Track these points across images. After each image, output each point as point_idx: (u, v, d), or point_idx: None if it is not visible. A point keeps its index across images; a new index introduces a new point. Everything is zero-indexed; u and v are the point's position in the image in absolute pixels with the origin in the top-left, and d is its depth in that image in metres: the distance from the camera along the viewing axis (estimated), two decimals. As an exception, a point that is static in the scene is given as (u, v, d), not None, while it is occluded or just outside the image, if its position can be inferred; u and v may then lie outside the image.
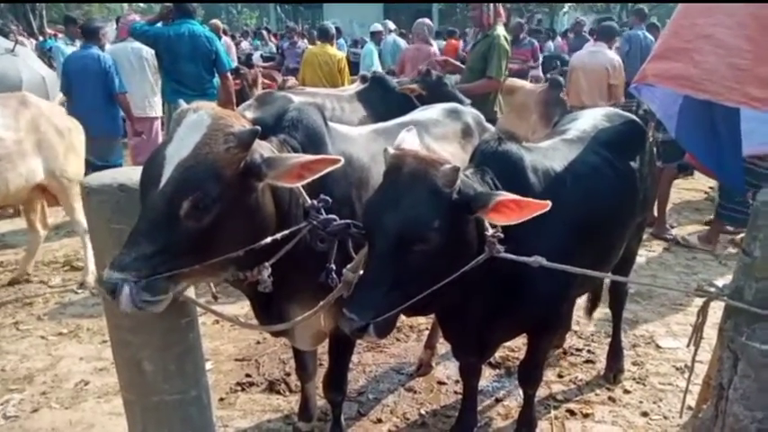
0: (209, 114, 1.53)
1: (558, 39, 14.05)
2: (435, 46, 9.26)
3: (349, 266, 1.83)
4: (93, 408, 2.93)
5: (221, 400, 2.97)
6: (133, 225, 1.80)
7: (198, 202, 1.45)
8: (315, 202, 1.79)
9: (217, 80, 5.74)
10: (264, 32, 17.04)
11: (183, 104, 1.64)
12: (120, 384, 2.24)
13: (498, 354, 3.25)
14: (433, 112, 2.92)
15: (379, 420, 2.81)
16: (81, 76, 5.41)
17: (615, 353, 3.17)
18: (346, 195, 2.12)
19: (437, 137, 2.69)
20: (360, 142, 2.32)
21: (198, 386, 2.29)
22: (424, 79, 4.88)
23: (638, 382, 3.12)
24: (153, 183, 1.47)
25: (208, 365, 3.22)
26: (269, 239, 1.68)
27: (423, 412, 2.87)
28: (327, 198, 1.81)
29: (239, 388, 3.06)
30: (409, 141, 1.95)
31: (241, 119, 1.57)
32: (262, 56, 11.32)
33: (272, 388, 3.04)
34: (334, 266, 1.85)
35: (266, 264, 1.74)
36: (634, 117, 2.84)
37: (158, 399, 2.14)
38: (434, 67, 4.84)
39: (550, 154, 2.26)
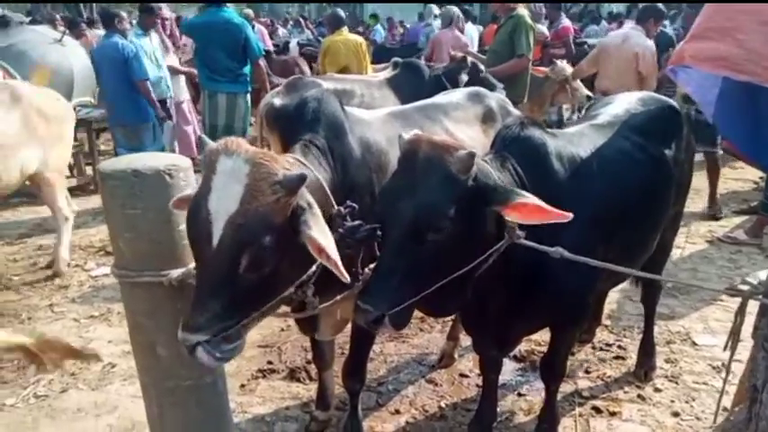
0: (246, 161, 1.46)
1: (604, 23, 13.38)
2: (471, 31, 9.07)
3: (372, 266, 1.79)
4: (118, 390, 2.99)
5: (242, 386, 2.98)
6: (145, 210, 1.82)
7: (256, 256, 1.45)
8: (341, 209, 1.76)
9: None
10: (301, 20, 17.12)
11: (208, 143, 1.57)
12: (137, 368, 2.26)
13: (523, 347, 3.17)
14: (454, 95, 2.84)
15: (398, 411, 2.76)
16: (103, 64, 5.51)
17: (647, 349, 3.03)
18: (367, 182, 2.10)
19: (457, 120, 2.61)
20: (376, 126, 2.28)
21: (213, 373, 2.29)
22: (460, 66, 4.79)
23: (670, 381, 2.98)
24: (204, 240, 1.45)
25: (230, 351, 3.26)
26: (314, 267, 1.68)
27: (443, 405, 2.81)
28: (354, 205, 1.77)
29: (260, 375, 3.07)
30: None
31: (280, 160, 1.54)
32: (299, 43, 11.30)
33: (292, 375, 3.04)
34: (361, 271, 1.82)
35: (309, 284, 1.74)
36: (670, 101, 2.69)
37: (174, 383, 2.15)
38: (455, 58, 4.78)
39: (577, 140, 2.16)
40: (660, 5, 5.91)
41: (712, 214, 5.48)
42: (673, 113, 2.59)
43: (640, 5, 5.99)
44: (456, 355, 3.18)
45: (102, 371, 3.16)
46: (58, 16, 10.56)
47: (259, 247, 1.44)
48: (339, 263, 1.49)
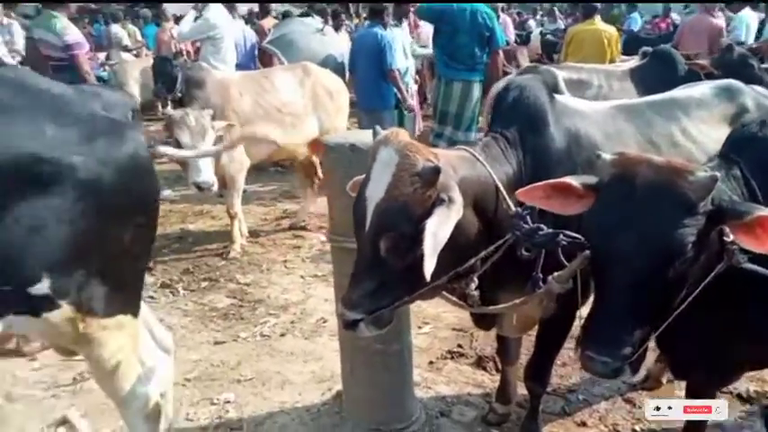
0: (396, 151, 1.57)
1: None
2: (745, 17, 7.81)
3: (556, 275, 1.70)
4: (326, 343, 3.32)
5: (430, 363, 3.08)
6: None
7: (396, 242, 1.54)
8: (519, 209, 1.70)
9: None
10: (555, 10, 16.58)
11: (379, 132, 1.68)
12: (338, 326, 2.49)
13: (752, 386, 2.71)
14: (699, 89, 2.49)
15: (584, 424, 2.59)
16: (361, 53, 5.87)
17: None
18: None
19: (698, 119, 2.29)
20: (594, 119, 2.12)
21: (400, 342, 2.44)
22: (723, 57, 4.19)
23: None
24: (361, 223, 1.60)
25: (426, 329, 3.40)
26: (473, 261, 1.69)
27: (637, 429, 2.56)
28: (534, 206, 1.69)
29: (449, 356, 3.14)
30: None
31: (425, 152, 1.59)
32: (542, 33, 10.98)
33: (479, 363, 3.05)
34: (540, 276, 1.76)
35: (473, 277, 1.76)
36: None
37: (365, 344, 2.33)
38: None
39: None
40: None
41: None
42: None
43: None
44: (664, 380, 2.85)
45: (315, 323, 3.55)
46: (328, 9, 11.87)
47: (396, 233, 1.52)
48: (428, 267, 1.45)
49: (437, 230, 1.49)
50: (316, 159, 5.36)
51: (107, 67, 7.28)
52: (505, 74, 5.96)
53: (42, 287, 1.49)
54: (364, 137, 2.17)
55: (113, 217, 1.59)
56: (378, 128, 1.71)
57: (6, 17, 8.06)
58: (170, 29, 9.51)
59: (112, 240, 1.61)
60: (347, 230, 2.14)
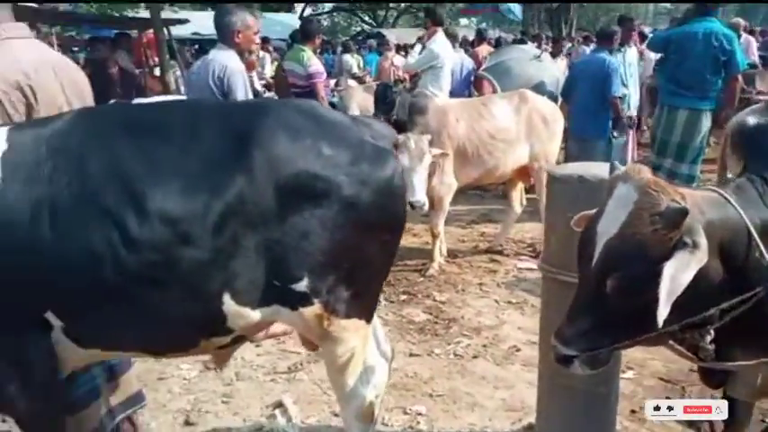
0: (636, 188, 1.50)
1: None
2: None
3: None
4: (517, 372, 3.29)
5: (633, 412, 2.88)
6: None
7: (625, 283, 1.48)
8: None
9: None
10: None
11: (617, 167, 1.64)
12: (540, 357, 2.48)
13: None
14: None
15: None
16: (581, 78, 5.73)
17: None
18: None
19: None
20: None
21: (608, 385, 2.33)
22: None
23: None
24: (587, 258, 1.56)
25: (629, 374, 3.20)
26: (711, 311, 1.58)
27: None
28: None
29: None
30: None
31: (671, 191, 1.51)
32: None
33: (692, 422, 2.77)
34: None
35: (710, 328, 1.64)
36: None
37: (567, 382, 2.27)
38: None
39: None
40: None
41: None
42: None
43: None
44: None
45: (507, 350, 3.54)
46: (543, 35, 11.84)
47: (627, 273, 1.45)
48: (661, 313, 1.37)
49: (676, 275, 1.42)
50: (521, 185, 5.36)
51: (336, 93, 8.08)
52: (743, 100, 5.40)
53: (302, 285, 1.72)
54: (593, 169, 2.14)
55: (366, 231, 1.77)
56: (616, 163, 1.68)
57: (263, 50, 9.42)
58: (391, 57, 10.29)
59: (362, 252, 1.79)
60: (563, 263, 2.12)
